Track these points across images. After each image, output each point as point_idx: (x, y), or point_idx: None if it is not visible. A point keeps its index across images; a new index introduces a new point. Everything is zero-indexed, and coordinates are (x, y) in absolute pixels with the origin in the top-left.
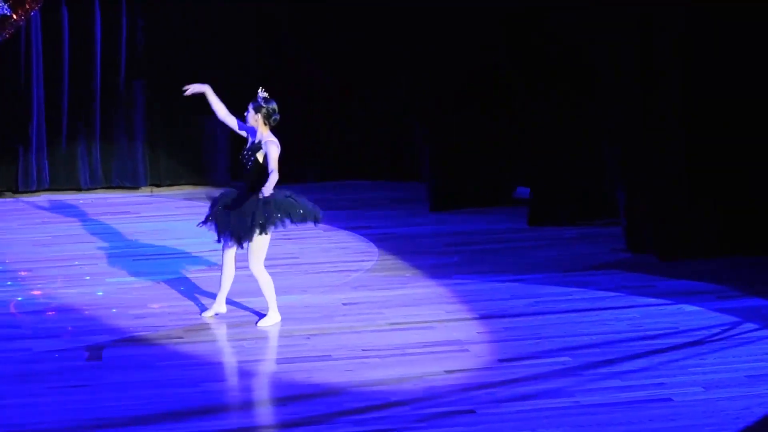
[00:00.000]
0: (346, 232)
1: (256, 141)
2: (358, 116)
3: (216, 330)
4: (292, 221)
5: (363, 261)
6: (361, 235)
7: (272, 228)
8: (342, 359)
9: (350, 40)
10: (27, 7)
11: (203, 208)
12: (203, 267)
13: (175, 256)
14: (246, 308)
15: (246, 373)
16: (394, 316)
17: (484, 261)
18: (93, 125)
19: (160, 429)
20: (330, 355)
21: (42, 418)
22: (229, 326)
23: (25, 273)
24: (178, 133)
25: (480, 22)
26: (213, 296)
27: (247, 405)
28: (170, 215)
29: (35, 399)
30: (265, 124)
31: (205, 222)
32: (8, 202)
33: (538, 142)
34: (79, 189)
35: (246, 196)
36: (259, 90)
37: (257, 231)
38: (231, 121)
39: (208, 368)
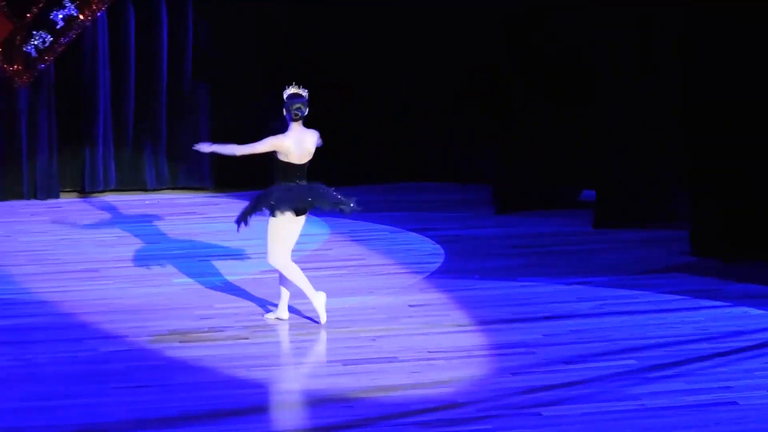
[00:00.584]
0: (412, 233)
1: None
2: (424, 117)
3: (281, 331)
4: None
5: (429, 263)
6: (427, 236)
7: (281, 213)
8: (408, 361)
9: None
10: (94, 7)
11: None
12: (269, 268)
13: (241, 256)
14: (311, 308)
15: (311, 374)
16: (460, 317)
17: (549, 263)
18: (159, 125)
19: (225, 429)
20: (396, 357)
21: (108, 418)
22: (295, 327)
23: (90, 273)
24: (243, 133)
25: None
26: (279, 297)
27: (312, 405)
28: (236, 216)
29: (102, 399)
30: (291, 119)
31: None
32: (75, 202)
33: (604, 144)
34: (145, 189)
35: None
36: (290, 86)
37: (267, 209)
38: (261, 147)
39: (274, 369)
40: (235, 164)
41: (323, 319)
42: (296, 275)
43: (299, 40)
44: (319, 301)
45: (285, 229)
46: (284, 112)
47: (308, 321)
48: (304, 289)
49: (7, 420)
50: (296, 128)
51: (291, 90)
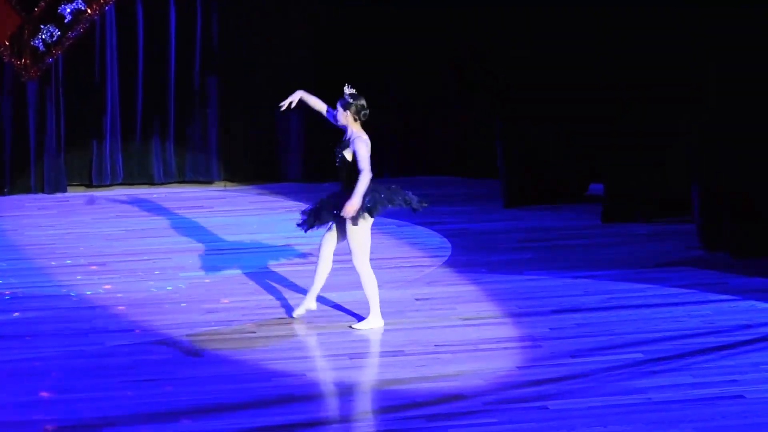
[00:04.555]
0: (420, 227)
1: (346, 138)
2: (435, 112)
3: (289, 325)
4: (392, 206)
5: (436, 256)
6: (435, 230)
7: (377, 213)
8: (414, 354)
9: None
10: (102, 1)
11: (276, 203)
12: (276, 262)
13: (248, 250)
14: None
15: (318, 368)
16: (466, 311)
17: (557, 257)
18: (167, 119)
19: (231, 422)
20: (402, 351)
21: (114, 412)
22: (303, 321)
23: (97, 267)
24: (252, 128)
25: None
26: (285, 291)
27: (318, 398)
28: (243, 210)
29: (108, 393)
30: (355, 120)
31: (304, 224)
32: (82, 196)
33: (613, 139)
34: (152, 183)
35: (341, 193)
36: (346, 87)
37: (363, 214)
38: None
39: (281, 362)
40: (241, 158)
41: (358, 327)
42: (373, 285)
43: (304, 34)
44: (372, 324)
45: (367, 232)
46: (343, 111)
47: (316, 315)
48: (373, 303)
49: (13, 414)
50: (359, 130)
51: (352, 90)
